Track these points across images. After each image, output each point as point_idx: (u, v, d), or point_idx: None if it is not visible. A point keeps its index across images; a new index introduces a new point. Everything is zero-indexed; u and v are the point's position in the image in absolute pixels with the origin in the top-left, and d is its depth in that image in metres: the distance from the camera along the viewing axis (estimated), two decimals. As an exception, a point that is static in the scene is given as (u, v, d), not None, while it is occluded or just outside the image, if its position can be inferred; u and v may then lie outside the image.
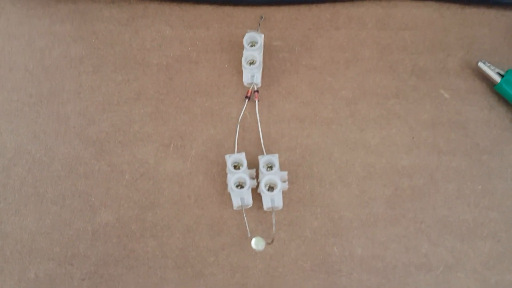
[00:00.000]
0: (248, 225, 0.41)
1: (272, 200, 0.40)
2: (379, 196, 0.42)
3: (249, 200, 0.40)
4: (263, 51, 0.44)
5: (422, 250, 0.40)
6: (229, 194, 0.40)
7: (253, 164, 0.41)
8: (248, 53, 0.42)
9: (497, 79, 0.43)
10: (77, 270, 0.41)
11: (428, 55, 0.45)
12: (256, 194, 0.41)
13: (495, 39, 0.45)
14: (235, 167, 0.40)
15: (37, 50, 0.46)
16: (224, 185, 0.42)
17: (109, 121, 0.44)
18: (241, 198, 0.40)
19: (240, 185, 0.39)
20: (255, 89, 0.44)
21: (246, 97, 0.44)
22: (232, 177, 0.39)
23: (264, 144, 0.43)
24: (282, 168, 0.42)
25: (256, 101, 0.44)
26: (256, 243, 0.38)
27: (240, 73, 0.44)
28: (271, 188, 0.39)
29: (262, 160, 0.40)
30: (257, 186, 0.41)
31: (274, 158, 0.40)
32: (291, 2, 0.46)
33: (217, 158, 0.43)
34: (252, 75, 0.43)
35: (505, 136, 0.43)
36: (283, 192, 0.41)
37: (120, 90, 0.44)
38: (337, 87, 0.44)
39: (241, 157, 0.40)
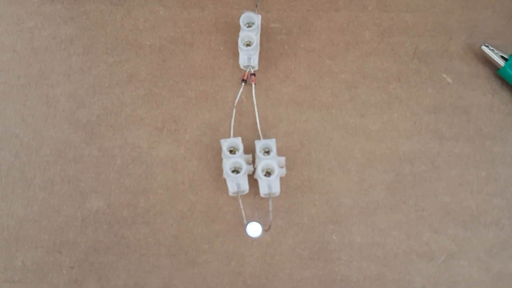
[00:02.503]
0: (244, 212, 0.39)
1: (269, 186, 0.38)
2: (379, 182, 0.40)
3: (245, 186, 0.39)
4: (261, 33, 0.43)
5: (424, 238, 0.39)
6: (225, 180, 0.39)
7: (250, 150, 0.40)
8: (245, 33, 0.41)
9: (501, 63, 0.42)
10: (66, 258, 0.39)
11: (430, 38, 0.44)
12: (252, 180, 0.40)
13: (498, 22, 0.44)
14: (230, 151, 0.39)
15: (25, 31, 0.44)
16: (220, 170, 0.41)
17: (100, 104, 0.42)
18: (237, 183, 0.38)
19: (236, 170, 0.38)
20: (252, 72, 0.42)
21: (243, 80, 0.42)
22: (228, 162, 0.38)
23: (261, 129, 0.41)
24: (279, 153, 0.40)
25: (253, 85, 0.42)
26: (252, 230, 0.37)
27: (236, 55, 0.43)
28: (268, 174, 0.38)
29: (259, 144, 0.39)
30: (254, 171, 0.39)
31: (271, 143, 0.39)
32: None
33: (212, 143, 0.41)
34: (248, 57, 0.42)
35: (509, 121, 0.42)
36: (281, 179, 0.40)
37: (112, 72, 0.43)
38: (337, 70, 0.43)
39: (237, 142, 0.39)
